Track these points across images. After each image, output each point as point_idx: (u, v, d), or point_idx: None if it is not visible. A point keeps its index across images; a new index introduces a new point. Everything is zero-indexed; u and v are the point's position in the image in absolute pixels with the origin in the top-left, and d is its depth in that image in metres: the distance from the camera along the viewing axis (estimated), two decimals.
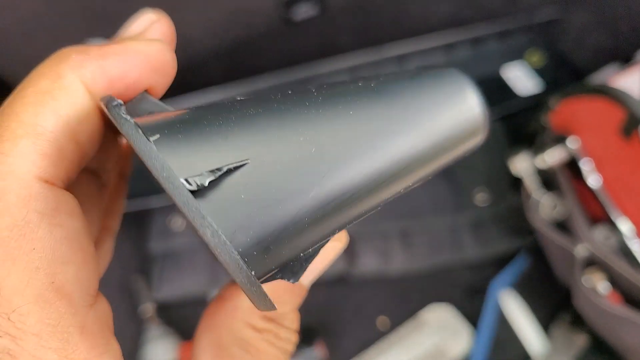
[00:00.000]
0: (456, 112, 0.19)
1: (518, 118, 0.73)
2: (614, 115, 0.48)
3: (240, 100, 0.15)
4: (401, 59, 0.75)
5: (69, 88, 0.15)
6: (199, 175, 0.12)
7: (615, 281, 0.50)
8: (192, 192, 0.12)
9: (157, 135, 0.13)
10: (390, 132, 0.16)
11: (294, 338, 0.21)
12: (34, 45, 0.66)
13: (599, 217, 0.52)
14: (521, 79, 0.76)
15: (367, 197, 0.16)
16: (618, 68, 0.64)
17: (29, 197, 0.13)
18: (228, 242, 0.12)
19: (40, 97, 0.14)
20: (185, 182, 0.12)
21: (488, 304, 0.63)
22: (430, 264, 0.65)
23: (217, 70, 0.78)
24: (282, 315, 0.20)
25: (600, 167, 0.52)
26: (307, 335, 0.60)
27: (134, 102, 0.16)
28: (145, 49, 0.17)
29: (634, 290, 0.48)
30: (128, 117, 0.13)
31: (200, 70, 0.77)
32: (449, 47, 0.76)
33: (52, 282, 0.13)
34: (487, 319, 0.62)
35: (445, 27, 0.77)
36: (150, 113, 0.16)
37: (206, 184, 0.12)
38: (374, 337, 0.62)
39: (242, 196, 0.13)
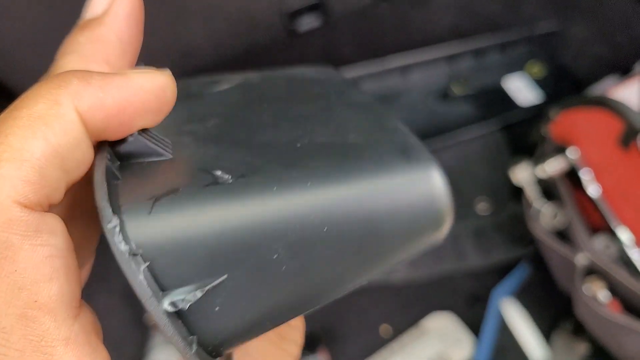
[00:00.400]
0: (416, 215, 0.17)
1: (519, 128, 0.74)
2: (613, 126, 0.49)
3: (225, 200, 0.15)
4: (404, 70, 0.76)
5: (63, 117, 0.15)
6: (181, 300, 0.14)
7: (615, 290, 0.51)
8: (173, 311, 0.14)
9: (147, 263, 0.14)
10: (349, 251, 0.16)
11: (298, 338, 0.21)
12: (41, 56, 0.67)
13: (599, 226, 0.53)
14: (522, 89, 0.77)
15: (326, 297, 0.18)
16: (617, 80, 0.64)
17: (9, 221, 0.14)
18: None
19: (32, 122, 0.14)
20: (168, 307, 0.14)
21: (490, 312, 0.63)
22: (433, 272, 0.66)
23: None
24: None
25: (599, 177, 0.53)
26: (310, 342, 0.61)
27: (126, 146, 0.16)
28: (148, 85, 0.16)
29: (634, 298, 0.49)
30: (123, 249, 0.14)
31: None
32: (451, 58, 0.77)
33: (36, 301, 0.14)
34: (489, 327, 0.62)
35: (447, 38, 0.78)
36: (140, 170, 0.16)
37: (186, 307, 0.14)
38: (376, 344, 0.63)
39: (217, 309, 0.15)
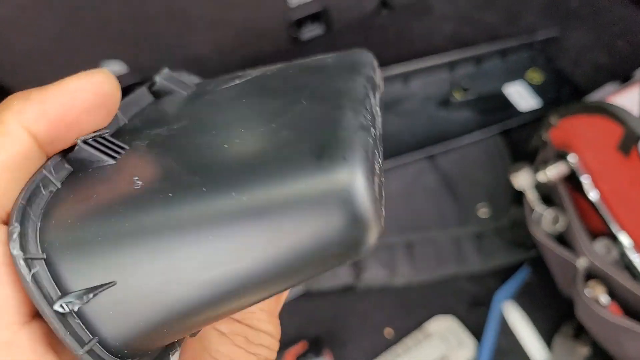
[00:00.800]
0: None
1: (519, 133, 0.75)
2: (613, 133, 0.50)
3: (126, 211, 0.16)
4: (405, 77, 0.77)
5: (10, 134, 0.16)
6: (69, 302, 0.15)
7: (615, 293, 0.52)
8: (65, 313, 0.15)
9: (36, 269, 0.15)
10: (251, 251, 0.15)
11: (269, 342, 0.20)
12: (49, 66, 0.68)
13: (600, 230, 0.54)
14: (522, 96, 0.78)
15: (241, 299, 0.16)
16: (617, 87, 0.65)
17: None
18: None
19: None
20: (58, 309, 0.15)
21: (491, 316, 0.64)
22: (435, 275, 0.67)
23: None
24: (250, 315, 0.20)
25: (599, 183, 0.53)
26: (314, 345, 0.61)
27: (73, 154, 0.17)
28: (85, 85, 0.17)
29: (635, 301, 0.49)
30: (15, 253, 0.14)
31: None
32: (452, 65, 0.78)
33: None
34: (491, 330, 0.63)
35: (448, 47, 0.79)
36: (83, 177, 0.17)
37: (75, 309, 0.15)
38: (380, 347, 0.63)
39: (112, 311, 0.15)
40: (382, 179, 0.16)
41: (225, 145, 0.17)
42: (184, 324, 0.16)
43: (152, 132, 0.19)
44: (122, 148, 0.18)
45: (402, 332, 0.64)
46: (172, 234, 0.15)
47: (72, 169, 0.17)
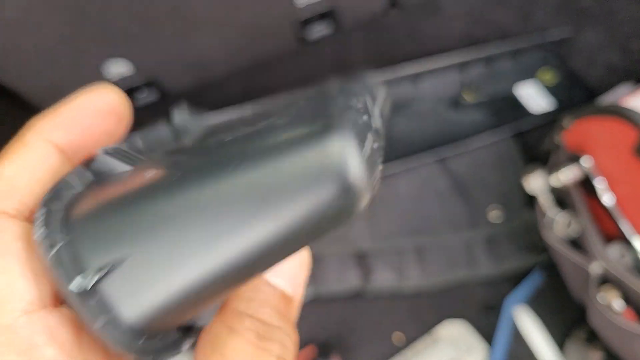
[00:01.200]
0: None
1: (531, 135, 0.74)
2: (628, 136, 0.49)
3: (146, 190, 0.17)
4: (415, 78, 0.76)
5: (30, 143, 0.18)
6: (87, 277, 0.15)
7: (630, 299, 0.51)
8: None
9: (59, 245, 0.16)
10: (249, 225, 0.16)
11: (287, 341, 0.20)
12: (57, 67, 0.68)
13: (614, 235, 0.53)
14: (534, 97, 0.77)
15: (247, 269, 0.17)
16: (631, 87, 0.64)
17: None
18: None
19: (10, 155, 0.18)
20: (77, 284, 0.15)
21: (503, 320, 0.63)
22: (445, 280, 0.66)
23: (233, 90, 0.80)
24: (262, 310, 0.20)
25: (614, 186, 0.53)
26: (323, 350, 0.61)
27: (94, 164, 0.19)
28: (92, 96, 0.20)
29: None
30: (38, 233, 0.16)
31: (217, 91, 0.79)
32: (462, 65, 0.77)
33: None
34: (502, 335, 0.62)
35: (458, 46, 0.78)
36: (103, 182, 0.18)
37: (93, 282, 0.15)
38: (389, 352, 0.63)
39: (126, 288, 0.16)
40: (377, 145, 0.17)
41: (232, 146, 0.17)
42: (194, 297, 0.17)
43: (166, 149, 0.21)
44: (138, 159, 0.19)
45: (412, 337, 0.64)
46: (180, 210, 0.16)
47: (93, 177, 0.19)
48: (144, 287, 0.16)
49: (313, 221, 0.15)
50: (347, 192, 0.15)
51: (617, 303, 0.51)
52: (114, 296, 0.16)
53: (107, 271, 0.15)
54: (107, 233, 0.16)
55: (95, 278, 0.15)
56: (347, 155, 0.14)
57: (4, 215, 0.17)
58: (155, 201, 0.16)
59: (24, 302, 0.16)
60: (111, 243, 0.16)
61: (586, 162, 0.54)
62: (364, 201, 0.15)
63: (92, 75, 0.70)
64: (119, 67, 0.72)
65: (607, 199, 0.53)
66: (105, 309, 0.15)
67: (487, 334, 0.63)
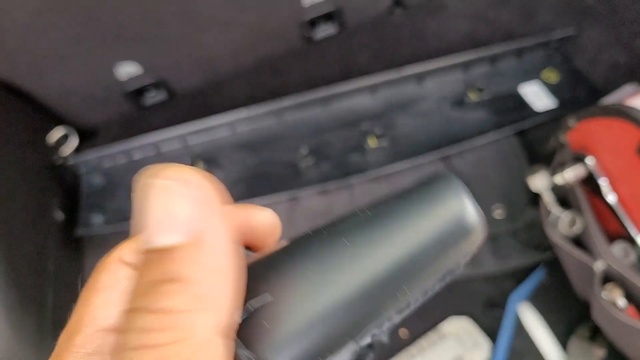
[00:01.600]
0: (444, 227, 0.18)
1: (535, 134, 0.75)
2: (632, 136, 0.50)
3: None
4: (420, 77, 0.77)
5: (108, 269, 0.18)
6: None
7: (633, 296, 0.51)
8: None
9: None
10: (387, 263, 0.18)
11: None
12: (66, 68, 0.69)
13: (617, 233, 0.53)
14: (538, 96, 0.78)
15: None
16: (635, 87, 0.65)
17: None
18: None
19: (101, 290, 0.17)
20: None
21: (506, 317, 0.64)
22: None
23: (241, 91, 0.81)
24: None
25: (617, 185, 0.53)
26: None
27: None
28: (257, 215, 0.20)
29: None
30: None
31: (224, 91, 0.80)
32: (466, 65, 0.78)
33: None
34: (506, 332, 0.63)
35: (463, 46, 0.79)
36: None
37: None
38: (395, 348, 0.63)
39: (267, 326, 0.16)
40: None
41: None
42: (340, 335, 0.17)
43: None
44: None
45: (417, 333, 0.64)
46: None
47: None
48: (284, 332, 0.16)
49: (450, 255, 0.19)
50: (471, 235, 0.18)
51: (620, 300, 0.52)
52: (254, 337, 0.16)
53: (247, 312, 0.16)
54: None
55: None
56: (469, 212, 0.19)
57: None
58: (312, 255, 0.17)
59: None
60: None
61: (590, 161, 0.55)
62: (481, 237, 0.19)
63: (102, 77, 0.71)
64: (128, 68, 0.73)
65: (611, 197, 0.53)
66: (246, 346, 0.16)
67: (491, 330, 0.64)
